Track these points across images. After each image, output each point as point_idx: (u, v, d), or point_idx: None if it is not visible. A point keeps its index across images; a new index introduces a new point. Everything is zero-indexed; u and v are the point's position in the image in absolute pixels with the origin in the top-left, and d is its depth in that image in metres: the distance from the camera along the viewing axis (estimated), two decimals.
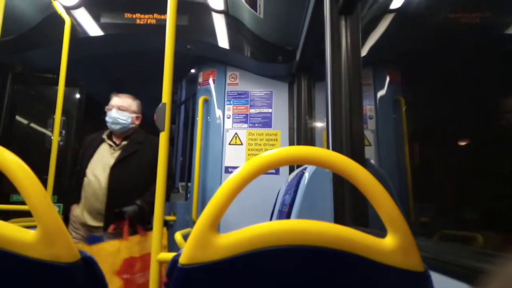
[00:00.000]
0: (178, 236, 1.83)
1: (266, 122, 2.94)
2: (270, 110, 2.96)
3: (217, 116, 2.98)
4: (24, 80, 3.18)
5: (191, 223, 2.79)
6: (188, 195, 3.16)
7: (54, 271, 0.50)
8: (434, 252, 0.72)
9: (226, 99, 3.00)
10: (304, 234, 0.50)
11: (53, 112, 2.45)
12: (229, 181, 0.53)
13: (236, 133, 2.92)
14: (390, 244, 0.51)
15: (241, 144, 2.90)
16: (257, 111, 2.96)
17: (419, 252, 0.52)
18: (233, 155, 2.88)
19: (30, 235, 0.50)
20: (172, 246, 2.75)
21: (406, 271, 0.50)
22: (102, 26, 2.79)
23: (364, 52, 2.40)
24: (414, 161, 2.59)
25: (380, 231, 0.64)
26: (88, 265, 0.54)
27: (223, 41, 2.78)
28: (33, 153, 3.67)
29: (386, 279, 0.50)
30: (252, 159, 0.53)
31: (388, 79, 2.79)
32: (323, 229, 0.50)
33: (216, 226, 0.52)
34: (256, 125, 2.94)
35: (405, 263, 0.50)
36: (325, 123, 2.84)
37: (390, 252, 0.50)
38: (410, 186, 2.49)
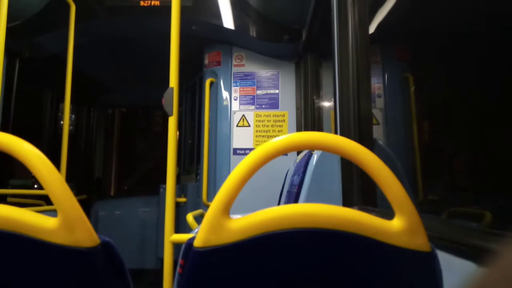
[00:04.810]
0: (190, 217, 1.87)
1: (273, 103, 2.93)
2: (277, 91, 2.94)
3: (224, 98, 2.98)
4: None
5: (202, 204, 2.84)
6: (198, 177, 3.21)
7: (75, 256, 0.52)
8: (441, 231, 0.74)
9: (232, 80, 2.98)
10: (314, 217, 0.51)
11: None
12: (240, 167, 0.54)
13: (243, 115, 2.92)
14: (397, 225, 0.52)
15: (249, 125, 2.90)
16: (264, 92, 2.95)
17: (425, 232, 0.53)
18: (241, 137, 2.89)
19: (51, 221, 0.52)
20: (183, 227, 2.82)
21: (413, 251, 0.51)
22: (107, 9, 2.77)
23: (371, 28, 2.35)
24: (423, 138, 2.58)
25: (389, 211, 0.65)
26: (107, 249, 0.56)
27: (228, 21, 2.74)
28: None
29: (393, 260, 0.52)
30: (263, 145, 0.54)
31: (396, 56, 2.74)
32: (332, 212, 0.52)
33: (228, 210, 0.54)
34: (263, 106, 2.93)
35: (412, 243, 0.52)
36: (332, 102, 2.82)
37: (397, 233, 0.52)
38: (418, 164, 2.49)
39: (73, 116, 4.33)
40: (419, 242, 0.52)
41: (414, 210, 0.53)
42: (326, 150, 0.54)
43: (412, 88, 2.61)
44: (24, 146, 0.54)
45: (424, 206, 2.32)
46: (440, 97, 2.34)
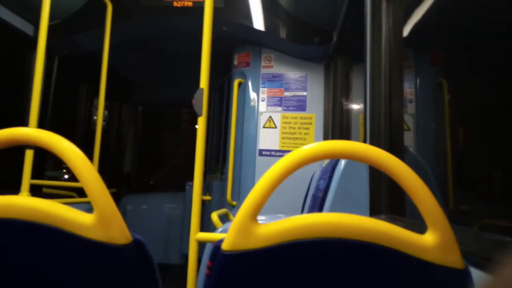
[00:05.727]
0: (214, 216, 1.90)
1: (300, 105, 2.92)
2: (305, 93, 2.92)
3: (252, 98, 2.99)
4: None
5: (226, 204, 2.87)
6: (223, 176, 3.24)
7: (109, 252, 0.54)
8: (475, 247, 0.71)
9: (260, 81, 2.99)
10: (342, 227, 0.51)
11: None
12: (270, 173, 0.55)
13: (270, 116, 2.93)
14: (430, 240, 0.51)
15: (275, 127, 2.90)
16: (291, 94, 2.94)
17: (459, 249, 0.52)
18: (267, 138, 2.89)
19: (88, 218, 0.55)
20: (208, 225, 2.86)
21: (445, 267, 0.50)
22: (141, 9, 2.85)
23: (406, 32, 2.28)
24: (457, 146, 2.48)
25: (418, 222, 0.64)
26: (138, 246, 0.58)
27: (258, 23, 2.75)
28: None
29: (424, 275, 0.50)
30: (293, 153, 0.54)
31: (430, 60, 2.65)
32: (362, 223, 0.51)
33: (256, 215, 0.55)
34: (290, 108, 2.92)
35: (444, 259, 0.50)
36: (362, 105, 2.77)
37: (429, 248, 0.50)
38: (450, 172, 2.40)
39: (106, 112, 4.49)
40: (452, 258, 0.50)
41: (448, 225, 0.52)
42: (359, 160, 0.54)
43: (446, 94, 2.52)
44: (64, 144, 0.57)
45: (455, 216, 2.24)
46: (477, 103, 2.25)
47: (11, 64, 3.14)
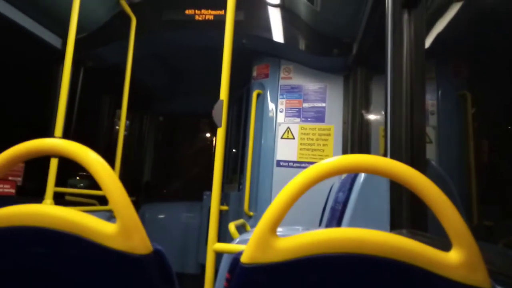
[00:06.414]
0: (232, 227, 1.90)
1: (319, 116, 2.91)
2: (323, 105, 2.92)
3: (270, 109, 3.00)
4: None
5: (243, 214, 2.86)
6: (240, 186, 3.25)
7: (131, 262, 0.55)
8: (502, 266, 0.68)
9: (279, 93, 3.01)
10: (365, 243, 0.50)
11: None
12: (290, 186, 0.55)
13: (288, 127, 2.93)
14: (455, 258, 0.49)
15: (293, 138, 2.90)
16: (310, 105, 2.93)
17: (485, 268, 0.50)
18: (285, 149, 2.89)
19: (111, 228, 0.56)
20: (224, 235, 2.86)
21: (471, 287, 0.48)
22: (164, 23, 2.93)
23: (427, 43, 2.25)
24: (481, 159, 2.41)
25: (441, 237, 0.62)
26: (158, 257, 0.59)
27: (278, 35, 2.78)
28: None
29: None
30: (313, 167, 0.54)
31: (452, 72, 2.60)
32: (384, 239, 0.50)
33: (276, 229, 0.55)
34: (309, 119, 2.92)
35: (470, 279, 0.49)
36: (381, 117, 2.73)
37: (454, 267, 0.49)
38: (474, 186, 2.33)
39: (127, 122, 4.60)
40: (479, 277, 0.49)
41: (474, 242, 0.50)
42: (380, 175, 0.53)
43: (470, 106, 2.46)
44: (90, 155, 0.58)
45: (479, 232, 2.16)
46: (502, 116, 2.19)
47: (39, 75, 3.27)
